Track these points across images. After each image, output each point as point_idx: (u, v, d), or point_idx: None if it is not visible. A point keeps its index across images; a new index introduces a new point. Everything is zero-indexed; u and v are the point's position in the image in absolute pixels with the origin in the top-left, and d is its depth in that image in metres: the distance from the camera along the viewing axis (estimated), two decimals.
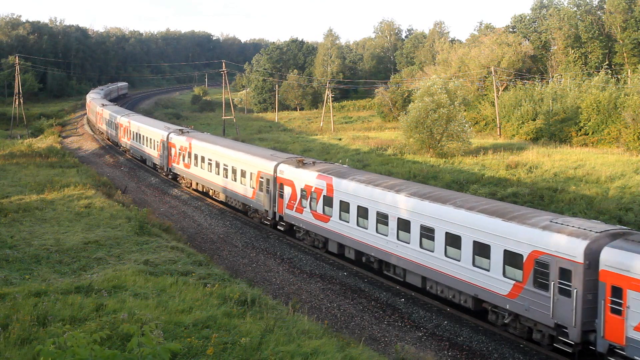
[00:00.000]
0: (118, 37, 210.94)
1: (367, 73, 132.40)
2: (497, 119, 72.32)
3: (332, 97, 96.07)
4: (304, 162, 32.09)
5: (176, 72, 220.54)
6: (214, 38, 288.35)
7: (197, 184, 43.80)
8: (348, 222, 27.37)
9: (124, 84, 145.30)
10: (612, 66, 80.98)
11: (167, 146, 47.87)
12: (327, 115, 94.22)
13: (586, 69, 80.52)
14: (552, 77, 79.53)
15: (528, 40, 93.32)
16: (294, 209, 31.36)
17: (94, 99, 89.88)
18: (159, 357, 7.14)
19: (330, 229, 28.81)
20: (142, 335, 7.39)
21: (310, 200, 29.99)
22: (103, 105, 76.71)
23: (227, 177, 38.25)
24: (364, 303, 24.51)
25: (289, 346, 15.69)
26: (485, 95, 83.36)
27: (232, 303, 18.67)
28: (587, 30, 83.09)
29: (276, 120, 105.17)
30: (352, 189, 27.23)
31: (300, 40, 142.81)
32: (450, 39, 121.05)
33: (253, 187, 34.90)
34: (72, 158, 57.85)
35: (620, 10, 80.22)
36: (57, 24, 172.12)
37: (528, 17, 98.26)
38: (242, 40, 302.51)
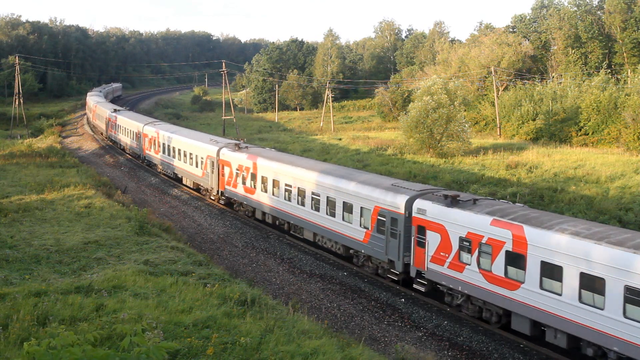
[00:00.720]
0: (118, 37, 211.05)
1: (367, 73, 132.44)
2: (497, 119, 72.32)
3: (332, 97, 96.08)
4: (459, 198, 23.15)
5: (176, 72, 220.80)
6: (214, 38, 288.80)
7: (264, 214, 35.12)
8: (559, 294, 18.69)
9: (119, 85, 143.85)
10: (612, 66, 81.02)
11: (217, 164, 39.27)
12: (327, 115, 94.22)
13: (586, 69, 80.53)
14: (552, 77, 79.51)
15: (528, 40, 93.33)
16: (446, 264, 22.73)
17: (99, 102, 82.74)
18: (153, 356, 7.11)
19: (522, 302, 19.91)
20: (135, 335, 7.38)
21: (479, 256, 21.39)
22: (116, 110, 68.54)
23: (317, 209, 29.57)
24: (364, 303, 24.50)
25: (289, 346, 15.69)
26: (485, 95, 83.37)
27: (232, 303, 18.67)
28: (587, 30, 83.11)
29: (276, 120, 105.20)
30: (567, 245, 18.52)
31: (300, 40, 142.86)
32: (450, 39, 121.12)
33: (366, 228, 26.40)
34: (72, 158, 57.88)
35: (620, 11, 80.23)
36: (57, 24, 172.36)
37: (528, 17, 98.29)
38: (242, 40, 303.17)
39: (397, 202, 24.69)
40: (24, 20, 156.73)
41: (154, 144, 51.96)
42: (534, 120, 68.58)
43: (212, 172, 39.99)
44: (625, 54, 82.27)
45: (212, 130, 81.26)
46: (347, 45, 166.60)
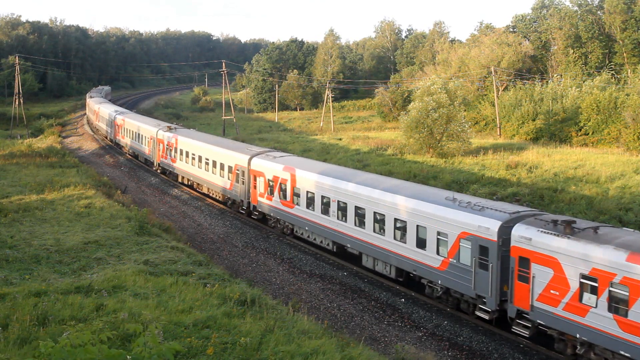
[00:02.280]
0: (118, 37, 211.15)
1: (367, 73, 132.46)
2: (497, 119, 72.29)
3: (332, 97, 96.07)
4: None
5: (176, 72, 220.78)
6: (214, 38, 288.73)
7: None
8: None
9: (108, 87, 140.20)
10: (612, 66, 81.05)
11: (476, 248, 21.52)
12: (327, 115, 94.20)
13: (586, 69, 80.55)
14: (552, 77, 79.51)
15: (528, 40, 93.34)
16: None
17: (125, 114, 67.10)
18: (163, 356, 7.16)
19: None
20: (149, 335, 7.42)
21: None
22: (171, 129, 50.66)
23: None
24: (364, 303, 24.49)
25: (289, 346, 15.69)
26: (485, 95, 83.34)
27: (232, 303, 18.68)
28: (587, 30, 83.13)
29: (276, 120, 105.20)
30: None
31: (300, 40, 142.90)
32: (450, 39, 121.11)
33: None
34: (72, 158, 57.89)
35: (620, 11, 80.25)
36: (57, 24, 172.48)
37: (528, 17, 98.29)
38: (242, 40, 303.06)
39: None
40: (24, 20, 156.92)
41: (281, 190, 33.71)
42: (534, 120, 68.54)
43: (475, 268, 21.70)
44: (625, 54, 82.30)
45: (212, 130, 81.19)
46: (347, 45, 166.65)
